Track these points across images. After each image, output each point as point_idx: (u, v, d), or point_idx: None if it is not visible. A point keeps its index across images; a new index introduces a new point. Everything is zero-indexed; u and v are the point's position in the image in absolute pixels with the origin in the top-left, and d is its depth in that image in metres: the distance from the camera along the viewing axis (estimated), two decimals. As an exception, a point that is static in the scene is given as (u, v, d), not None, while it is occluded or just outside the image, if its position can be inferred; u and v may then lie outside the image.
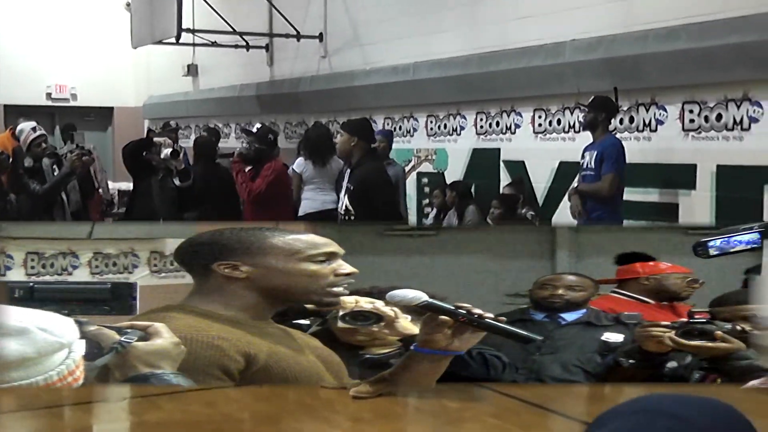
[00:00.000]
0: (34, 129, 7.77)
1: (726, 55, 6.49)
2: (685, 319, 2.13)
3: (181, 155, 7.33)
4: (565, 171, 8.03)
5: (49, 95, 17.07)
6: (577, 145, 7.68)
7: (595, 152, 6.81)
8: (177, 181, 7.22)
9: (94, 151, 10.57)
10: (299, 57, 11.96)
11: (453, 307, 1.84)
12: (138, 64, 17.04)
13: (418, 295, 1.83)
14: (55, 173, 7.60)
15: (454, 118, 9.53)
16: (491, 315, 1.85)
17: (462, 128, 9.43)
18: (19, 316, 1.48)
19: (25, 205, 7.72)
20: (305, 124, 11.59)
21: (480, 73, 8.74)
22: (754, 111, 6.48)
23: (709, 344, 1.96)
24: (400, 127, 10.22)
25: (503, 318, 1.87)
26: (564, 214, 7.76)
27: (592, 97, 7.03)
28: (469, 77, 8.89)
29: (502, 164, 8.88)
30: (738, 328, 1.97)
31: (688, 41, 6.69)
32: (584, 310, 2.78)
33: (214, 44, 13.18)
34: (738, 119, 6.59)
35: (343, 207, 6.39)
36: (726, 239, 1.69)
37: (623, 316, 2.53)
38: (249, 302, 1.84)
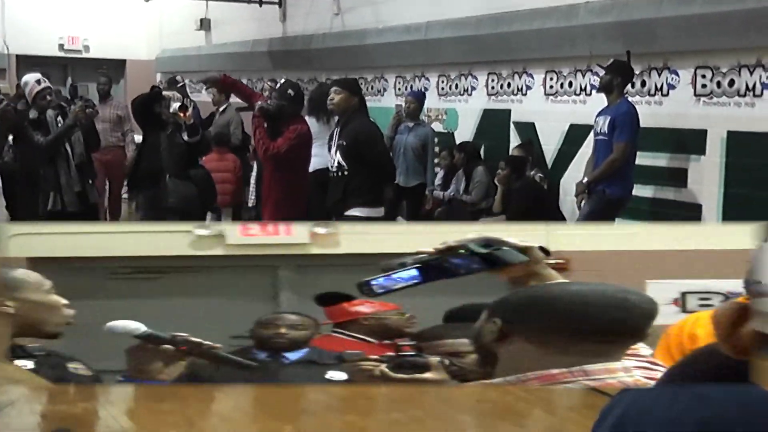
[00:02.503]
0: (38, 81, 7.75)
1: (740, 21, 6.43)
2: (392, 353, 2.08)
3: (191, 110, 7.31)
4: (576, 133, 8.02)
5: (61, 46, 17.07)
6: (588, 108, 7.66)
7: (609, 117, 6.79)
8: (185, 136, 7.21)
9: (123, 109, 10.59)
10: (312, 14, 11.91)
11: (171, 336, 1.90)
12: (151, 16, 17.01)
13: (139, 326, 1.89)
14: (59, 125, 7.60)
15: (466, 79, 9.49)
16: (209, 343, 1.91)
17: (473, 89, 9.40)
18: None
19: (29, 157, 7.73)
20: (317, 81, 11.56)
21: (492, 33, 8.69)
22: (767, 77, 6.43)
23: (423, 376, 1.93)
24: (412, 87, 10.19)
25: (220, 345, 1.94)
26: (572, 177, 7.76)
27: (611, 60, 7.00)
28: (482, 38, 8.84)
29: (512, 125, 8.86)
30: (446, 361, 1.97)
31: (702, 6, 6.64)
32: (307, 349, 2.77)
33: (227, -1, 13.15)
34: (750, 85, 6.55)
35: (336, 163, 6.40)
36: (388, 277, 1.68)
37: (346, 355, 2.50)
38: (1, 338, 1.82)
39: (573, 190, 7.30)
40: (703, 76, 6.88)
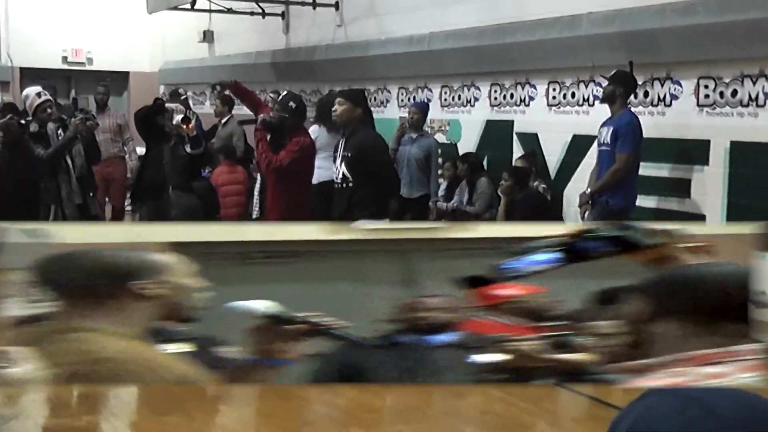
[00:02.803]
0: (39, 94, 7.76)
1: (743, 31, 6.43)
2: (549, 333, 2.13)
3: (193, 122, 7.33)
4: (579, 144, 8.01)
5: (65, 59, 17.09)
6: (591, 119, 7.65)
7: (612, 128, 6.79)
8: (188, 148, 7.22)
9: (122, 118, 10.60)
10: (315, 25, 11.92)
11: (299, 317, 1.90)
12: (154, 29, 17.04)
13: (267, 306, 1.89)
14: (60, 138, 7.60)
15: (469, 90, 9.49)
16: (331, 322, 1.90)
17: (476, 99, 9.40)
18: None
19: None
20: (320, 92, 11.58)
21: (495, 44, 8.70)
22: (770, 87, 6.44)
23: (573, 356, 1.98)
24: (414, 98, 10.19)
25: (343, 323, 1.91)
26: (576, 187, 7.75)
27: (614, 71, 7.00)
28: (484, 48, 8.85)
29: (515, 136, 8.86)
30: (597, 343, 1.96)
31: (705, 16, 6.64)
32: (452, 332, 2.74)
33: (230, 11, 13.15)
34: (753, 96, 6.54)
35: (341, 175, 6.38)
36: (522, 261, 1.67)
37: (496, 337, 2.48)
38: (145, 320, 1.86)
39: (576, 200, 7.29)
40: (706, 87, 6.88)
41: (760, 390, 1.28)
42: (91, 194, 7.93)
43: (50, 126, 7.64)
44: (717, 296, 1.50)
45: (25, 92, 8.02)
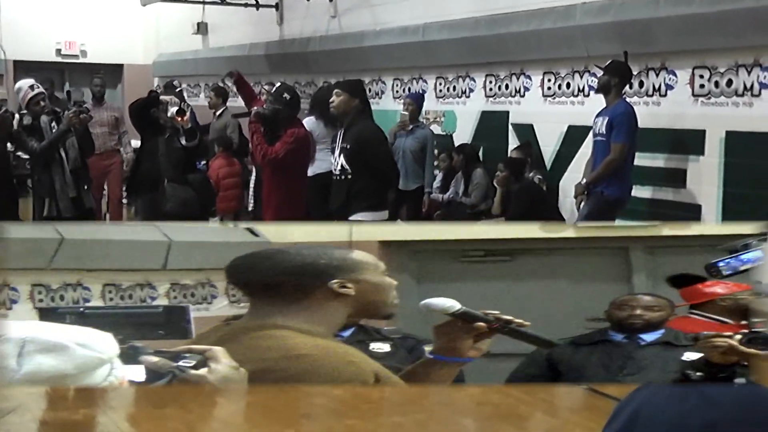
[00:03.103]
0: (32, 87, 7.73)
1: (738, 20, 6.43)
2: (750, 329, 2.11)
3: (188, 114, 7.31)
4: (574, 135, 8.02)
5: (58, 51, 17.05)
6: (586, 109, 7.66)
7: (607, 118, 6.79)
8: (183, 141, 7.21)
9: (118, 111, 10.56)
10: (309, 16, 11.91)
11: (483, 314, 1.91)
12: (148, 21, 17.01)
13: (454, 304, 1.89)
14: (54, 131, 7.58)
15: (464, 81, 9.49)
16: (519, 321, 1.92)
17: (471, 90, 9.40)
18: (56, 332, 1.48)
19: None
20: (314, 84, 11.57)
21: (490, 35, 8.69)
22: (764, 77, 6.43)
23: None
24: (409, 89, 10.18)
25: (528, 323, 1.92)
26: (572, 178, 7.76)
27: (609, 61, 6.99)
28: (479, 39, 8.84)
29: (510, 127, 8.86)
30: None
31: (699, 5, 6.64)
32: (662, 331, 2.78)
33: (223, 2, 13.13)
34: (748, 85, 6.55)
35: (339, 167, 6.36)
36: (736, 258, 1.68)
37: (701, 335, 2.45)
38: (338, 319, 1.86)
39: (572, 191, 7.30)
40: (701, 76, 6.88)
41: None
42: (86, 187, 7.91)
43: (43, 119, 7.61)
44: None
45: (18, 85, 8.00)
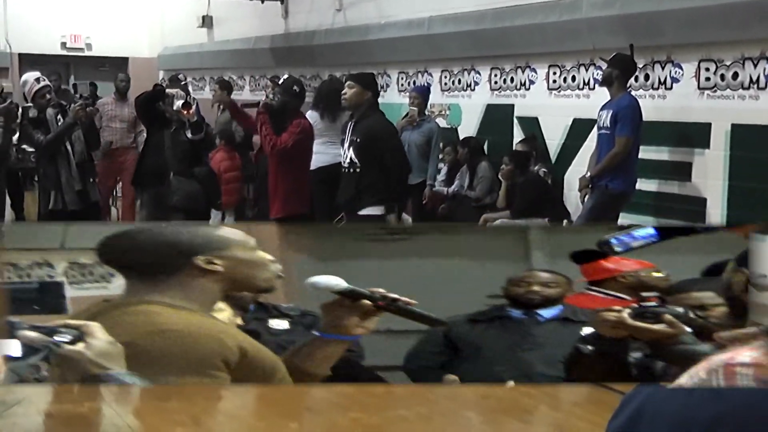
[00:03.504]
0: (37, 80, 7.75)
1: (744, 13, 6.41)
2: (645, 304, 2.15)
3: (194, 107, 7.32)
4: (579, 128, 8.00)
5: (63, 45, 17.07)
6: (591, 102, 7.64)
7: (611, 111, 6.78)
8: (189, 134, 7.21)
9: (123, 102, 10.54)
10: (314, 10, 11.90)
11: (369, 292, 1.92)
12: (153, 14, 17.01)
13: (340, 282, 1.91)
14: (60, 124, 7.59)
15: (469, 74, 9.48)
16: (406, 299, 1.93)
17: (476, 84, 9.39)
18: None
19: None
20: (319, 77, 11.56)
21: (495, 28, 8.67)
22: (771, 70, 6.42)
23: (653, 326, 2.01)
24: (414, 82, 10.17)
25: (415, 302, 1.94)
26: (577, 171, 7.75)
27: (614, 54, 6.98)
28: (484, 32, 8.83)
29: (515, 120, 8.85)
30: (690, 313, 2.02)
31: (705, -2, 6.62)
32: (561, 307, 2.82)
33: (228, -5, 13.13)
34: (755, 78, 6.53)
35: (348, 160, 6.35)
36: (629, 235, 1.71)
37: (593, 311, 2.51)
38: (210, 295, 1.88)
39: (577, 184, 7.29)
40: (707, 69, 6.86)
41: None
42: (92, 180, 7.93)
43: (49, 112, 7.63)
44: None
45: (23, 77, 8.01)
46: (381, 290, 1.96)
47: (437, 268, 2.76)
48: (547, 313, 2.82)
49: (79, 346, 1.62)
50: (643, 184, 7.10)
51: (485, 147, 8.98)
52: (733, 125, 6.67)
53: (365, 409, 2.56)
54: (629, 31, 7.21)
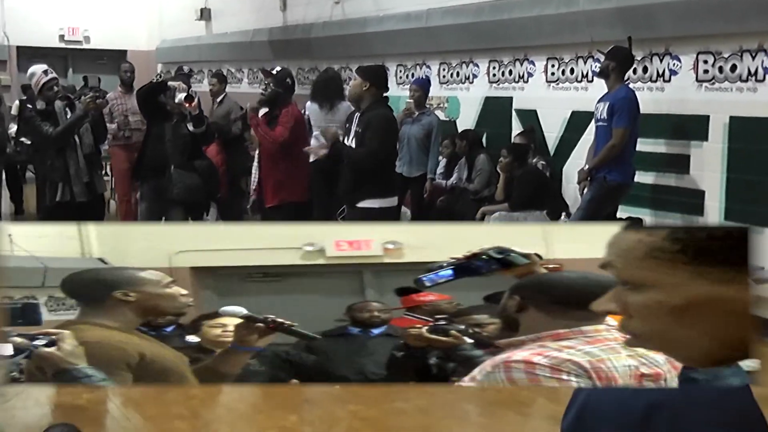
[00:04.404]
0: (45, 72, 7.75)
1: (741, 5, 6.42)
2: (438, 324, 2.89)
3: (195, 101, 7.32)
4: (578, 120, 8.01)
5: (62, 37, 17.05)
6: (590, 95, 7.64)
7: (608, 103, 6.78)
8: (190, 127, 7.22)
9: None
10: (312, 2, 11.89)
11: (263, 317, 2.57)
12: (151, 7, 16.99)
13: (242, 310, 2.60)
14: (68, 116, 7.60)
15: (467, 66, 9.48)
16: (289, 322, 2.58)
17: (474, 76, 9.39)
18: None
19: (39, 148, 7.76)
20: (317, 70, 11.54)
21: (493, 20, 8.68)
22: (768, 62, 6.43)
23: (443, 338, 2.76)
24: (413, 75, 10.17)
25: (296, 324, 2.60)
26: (575, 164, 7.76)
27: (611, 46, 6.98)
28: (482, 25, 8.83)
29: (514, 113, 8.85)
30: (469, 330, 2.80)
31: (703, -9, 6.62)
32: (385, 326, 3.88)
33: (227, -12, 13.12)
34: (752, 70, 6.53)
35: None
36: (435, 274, 2.48)
37: (405, 328, 3.24)
38: (129, 318, 2.57)
39: (576, 177, 7.29)
40: (705, 62, 6.86)
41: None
42: (99, 172, 7.97)
43: (58, 104, 7.64)
44: (568, 292, 2.08)
45: (31, 70, 8.00)
46: (272, 316, 2.61)
47: (298, 300, 3.98)
48: (376, 330, 3.89)
49: (53, 348, 2.19)
50: (642, 177, 7.11)
51: (484, 139, 8.99)
52: (731, 117, 6.68)
53: (364, 401, 2.59)
54: (627, 24, 7.21)
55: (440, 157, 8.99)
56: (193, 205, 7.39)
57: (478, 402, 2.68)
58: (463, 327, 2.89)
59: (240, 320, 2.66)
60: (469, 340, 2.83)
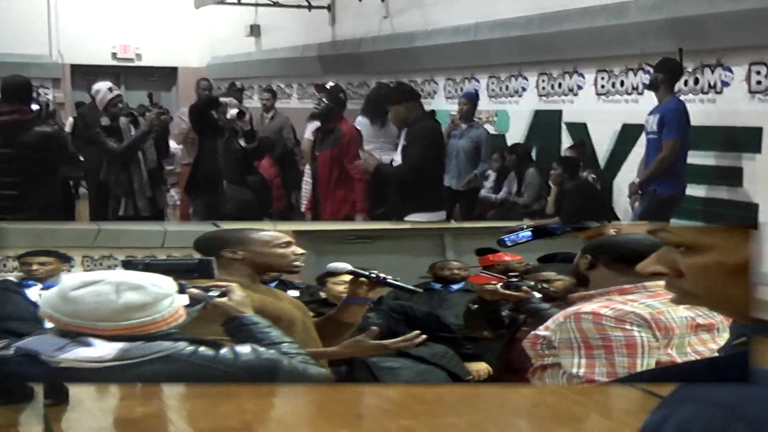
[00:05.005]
0: (110, 89, 7.87)
1: (795, 16, 6.34)
2: (508, 280, 3.24)
3: (247, 116, 7.38)
4: (628, 133, 7.95)
5: (114, 55, 17.28)
6: (640, 107, 7.59)
7: (658, 116, 6.74)
8: (242, 142, 7.28)
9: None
10: (361, 17, 11.94)
11: (368, 272, 2.80)
12: (201, 24, 17.17)
13: (347, 265, 2.85)
14: (132, 132, 7.71)
15: (516, 80, 9.46)
16: (391, 277, 2.82)
17: (524, 89, 9.37)
18: (137, 276, 2.20)
19: (96, 164, 7.87)
20: (367, 85, 11.59)
21: (542, 33, 8.65)
22: (823, 73, 6.34)
23: (515, 293, 3.12)
24: (461, 88, 10.17)
25: (398, 278, 2.85)
26: (626, 177, 7.70)
27: (660, 58, 6.93)
28: (532, 38, 8.81)
29: (563, 126, 8.81)
30: (539, 285, 3.19)
31: (755, 0, 6.55)
32: (463, 282, 4.34)
33: (276, 4, 13.22)
34: (806, 81, 6.45)
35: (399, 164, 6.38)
36: (515, 235, 2.79)
37: (481, 284, 3.58)
38: (244, 273, 2.83)
39: (626, 190, 7.24)
40: (758, 73, 6.79)
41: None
42: (162, 187, 8.09)
43: (122, 120, 7.77)
44: (633, 251, 2.12)
45: (95, 87, 8.13)
46: (375, 270, 2.83)
47: (387, 259, 4.38)
48: (455, 286, 4.37)
49: (225, 299, 2.39)
50: (693, 190, 7.04)
51: (533, 153, 8.96)
52: (785, 129, 6.60)
53: (415, 416, 2.58)
54: (678, 35, 7.16)
55: (489, 171, 8.97)
56: (246, 221, 7.44)
57: (531, 417, 2.66)
58: (532, 283, 3.20)
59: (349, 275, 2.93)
60: (538, 295, 3.14)
